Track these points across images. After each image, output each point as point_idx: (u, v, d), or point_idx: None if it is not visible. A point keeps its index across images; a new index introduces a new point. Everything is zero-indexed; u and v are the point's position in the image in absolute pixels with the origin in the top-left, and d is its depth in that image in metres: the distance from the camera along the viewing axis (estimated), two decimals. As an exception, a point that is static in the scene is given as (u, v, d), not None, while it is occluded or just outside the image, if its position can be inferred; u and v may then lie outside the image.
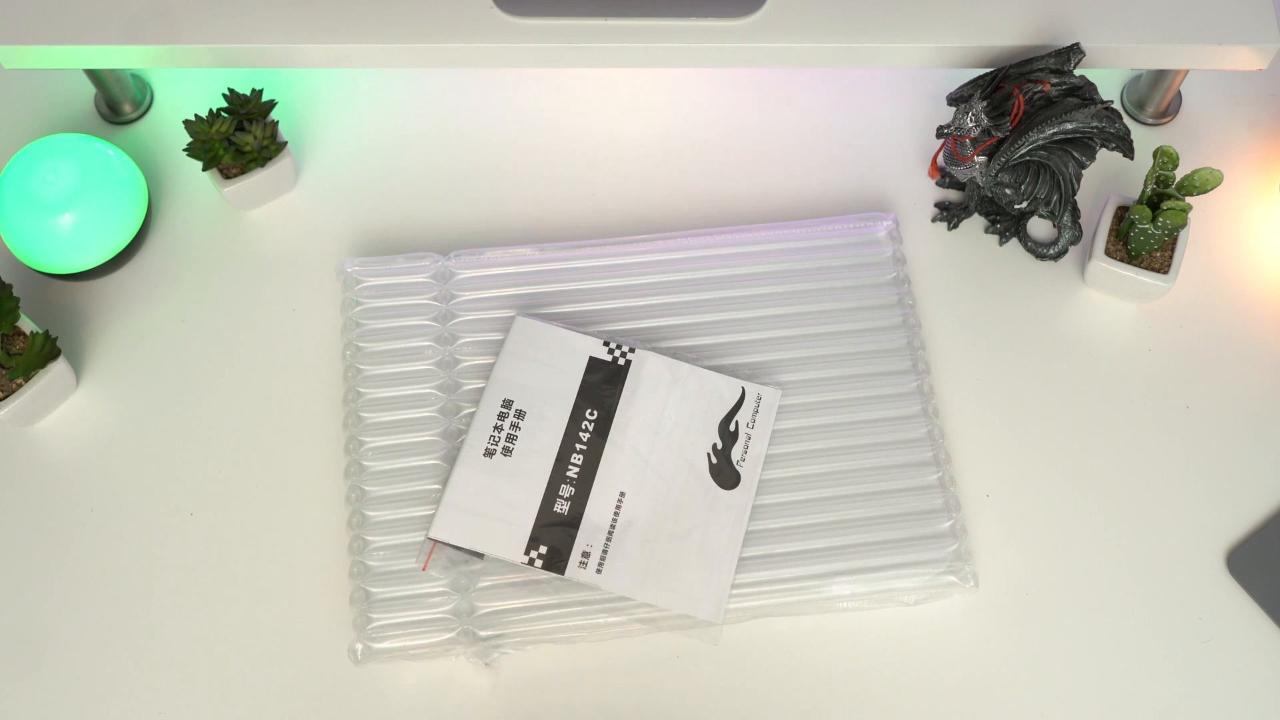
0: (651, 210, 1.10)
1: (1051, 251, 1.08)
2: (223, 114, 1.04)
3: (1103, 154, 1.11)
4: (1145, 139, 1.14)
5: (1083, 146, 1.00)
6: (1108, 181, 1.12)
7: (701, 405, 0.99)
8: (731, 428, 0.99)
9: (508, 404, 0.98)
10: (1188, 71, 1.09)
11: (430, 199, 1.11)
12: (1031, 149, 1.00)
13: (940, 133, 1.03)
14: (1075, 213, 1.06)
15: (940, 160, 1.11)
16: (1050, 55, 1.00)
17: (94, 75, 1.10)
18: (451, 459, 0.98)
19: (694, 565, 0.94)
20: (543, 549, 0.94)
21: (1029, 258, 1.09)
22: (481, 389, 1.00)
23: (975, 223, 1.11)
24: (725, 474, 0.97)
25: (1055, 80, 1.00)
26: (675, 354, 1.02)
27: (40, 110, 1.14)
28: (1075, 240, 1.07)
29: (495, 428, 0.97)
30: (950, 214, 1.10)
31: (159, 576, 0.96)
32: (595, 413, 0.99)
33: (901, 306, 1.05)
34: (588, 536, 0.94)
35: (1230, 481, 1.00)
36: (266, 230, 1.10)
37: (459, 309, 1.04)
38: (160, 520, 0.98)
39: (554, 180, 1.12)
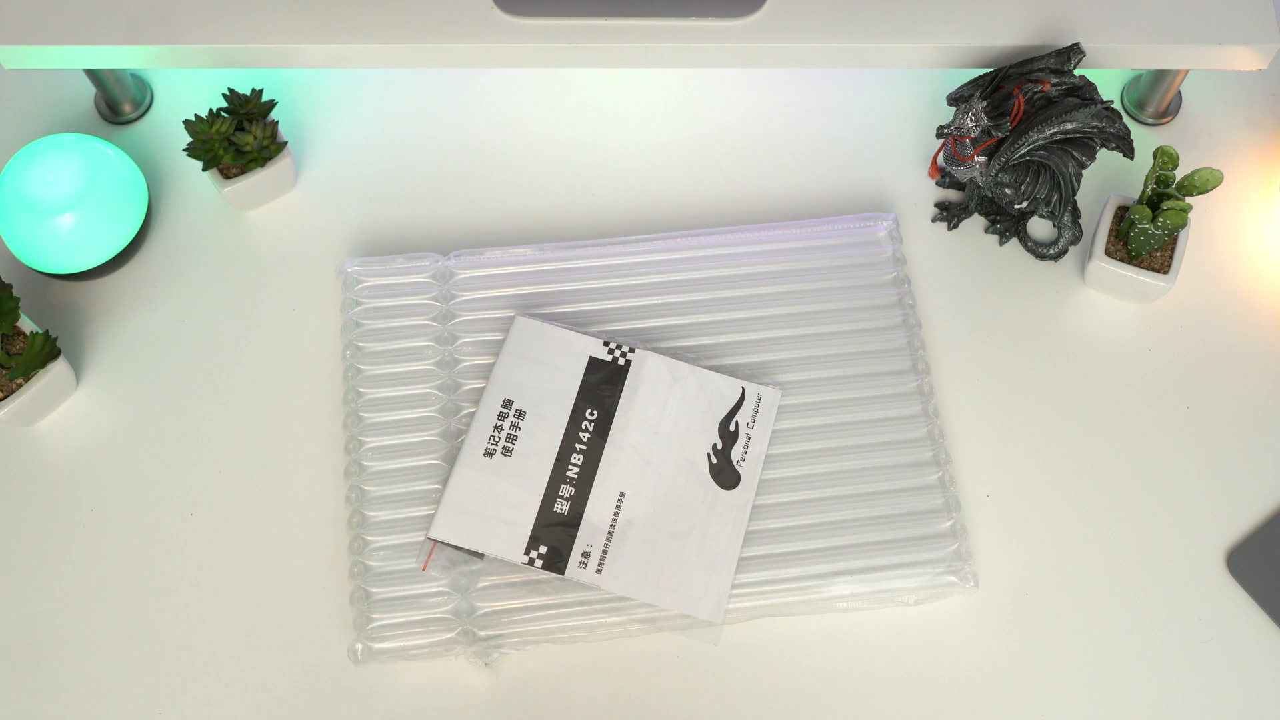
0: (651, 210, 1.10)
1: (1051, 251, 1.08)
2: (223, 114, 1.04)
3: (1103, 154, 1.11)
4: (1145, 139, 1.14)
5: (1083, 146, 1.00)
6: (1108, 181, 1.12)
7: (701, 405, 0.99)
8: (731, 428, 0.99)
9: (508, 404, 0.98)
10: (1188, 71, 1.09)
11: (430, 199, 1.11)
12: (1031, 149, 1.00)
13: (940, 133, 1.03)
14: (1075, 213, 1.06)
15: (940, 160, 1.11)
16: (1050, 55, 1.00)
17: (94, 75, 1.10)
18: (451, 459, 0.98)
19: (694, 565, 0.94)
20: (543, 549, 0.94)
21: (1029, 258, 1.09)
22: (481, 389, 1.00)
23: (975, 223, 1.11)
24: (725, 474, 0.97)
25: (1055, 80, 1.00)
26: (675, 354, 1.02)
27: (40, 110, 1.14)
28: (1075, 240, 1.07)
29: (495, 428, 0.97)
30: (950, 214, 1.10)
31: (159, 576, 0.96)
32: (595, 413, 0.99)
33: (901, 306, 1.05)
34: (588, 536, 0.94)
35: (1230, 481, 1.00)
36: (266, 230, 1.10)
37: (459, 309, 1.04)
38: (160, 520, 0.98)
39: (554, 180, 1.12)
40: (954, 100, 1.03)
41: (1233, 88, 1.17)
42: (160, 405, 1.02)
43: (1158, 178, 1.02)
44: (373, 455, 0.98)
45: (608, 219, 1.10)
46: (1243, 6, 1.04)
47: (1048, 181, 1.02)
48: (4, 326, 0.97)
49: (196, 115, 1.04)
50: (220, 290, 1.07)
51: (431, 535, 0.94)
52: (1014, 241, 1.10)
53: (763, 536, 0.96)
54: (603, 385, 1.00)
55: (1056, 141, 1.00)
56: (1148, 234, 1.01)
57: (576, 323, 1.03)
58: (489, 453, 0.96)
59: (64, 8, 1.02)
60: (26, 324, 1.00)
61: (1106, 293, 1.07)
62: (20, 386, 0.98)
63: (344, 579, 0.95)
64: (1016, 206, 1.04)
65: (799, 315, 1.04)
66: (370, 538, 0.95)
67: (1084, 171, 1.03)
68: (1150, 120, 1.15)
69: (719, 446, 0.98)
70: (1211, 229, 1.10)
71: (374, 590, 0.93)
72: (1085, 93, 1.00)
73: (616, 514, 0.95)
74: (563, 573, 0.93)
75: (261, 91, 1.05)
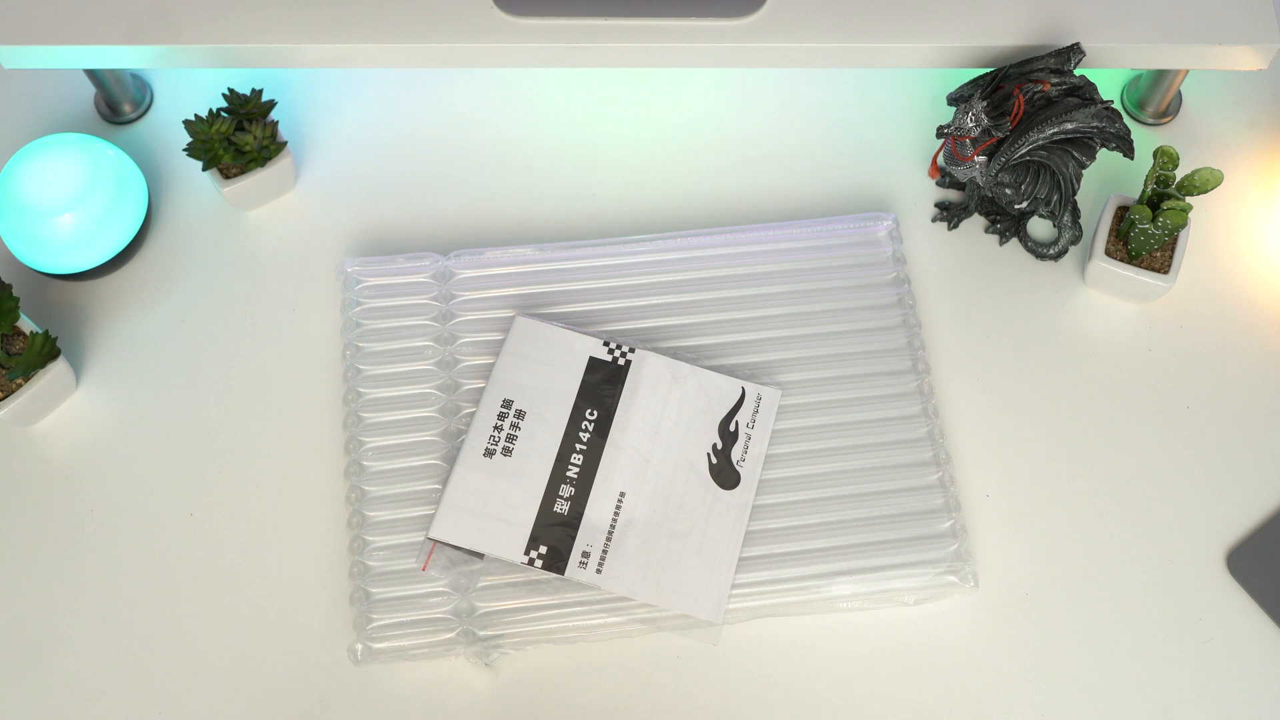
0: (651, 210, 1.10)
1: (1051, 251, 1.08)
2: (223, 114, 1.04)
3: (1103, 154, 1.11)
4: (1145, 139, 1.14)
5: (1083, 146, 1.00)
6: (1108, 181, 1.12)
7: (701, 405, 0.99)
8: (731, 428, 0.99)
9: (508, 404, 0.98)
10: (1188, 71, 1.09)
11: (430, 199, 1.11)
12: (1031, 149, 1.00)
13: (940, 133, 1.03)
14: (1075, 213, 1.06)
15: (940, 160, 1.11)
16: (1050, 55, 1.00)
17: (94, 75, 1.10)
18: (451, 459, 0.98)
19: (694, 565, 0.94)
20: (543, 549, 0.94)
21: (1029, 258, 1.09)
22: (481, 389, 1.00)
23: (975, 223, 1.11)
24: (725, 474, 0.97)
25: (1055, 80, 1.00)
26: (675, 354, 1.02)
27: (40, 110, 1.14)
28: (1075, 240, 1.07)
29: (495, 428, 0.97)
30: (950, 214, 1.10)
31: (159, 576, 0.96)
32: (595, 413, 0.99)
33: (901, 306, 1.05)
34: (588, 536, 0.94)
35: (1230, 481, 1.00)
36: (266, 230, 1.10)
37: (459, 309, 1.04)
38: (160, 520, 0.98)
39: (554, 180, 1.12)
40: (954, 100, 1.03)
41: (1233, 88, 1.17)
42: (160, 405, 1.02)
43: (1158, 178, 1.02)
44: (372, 455, 0.98)
45: (608, 219, 1.10)
46: (1243, 6, 1.04)
47: (1048, 181, 1.02)
48: (4, 326, 0.97)
49: (196, 115, 1.04)
50: (220, 290, 1.07)
51: (431, 535, 0.94)
52: (1014, 241, 1.10)
53: (763, 536, 0.96)
54: (603, 385, 1.00)
55: (1056, 141, 1.00)
56: (1148, 234, 1.01)
57: (576, 323, 1.03)
58: (489, 453, 0.96)
59: (64, 8, 1.02)
60: (26, 324, 1.00)
61: (1106, 293, 1.07)
62: (20, 386, 0.98)
63: (344, 579, 0.95)
64: (1016, 206, 1.04)
65: (799, 315, 1.04)
66: (370, 538, 0.95)
67: (1084, 171, 1.03)
68: (1150, 120, 1.15)
69: (719, 446, 0.98)
70: (1212, 229, 1.10)
71: (374, 590, 0.93)
72: (1085, 93, 1.00)
73: (616, 514, 0.95)
74: (563, 573, 0.93)
75: (261, 91, 1.05)
